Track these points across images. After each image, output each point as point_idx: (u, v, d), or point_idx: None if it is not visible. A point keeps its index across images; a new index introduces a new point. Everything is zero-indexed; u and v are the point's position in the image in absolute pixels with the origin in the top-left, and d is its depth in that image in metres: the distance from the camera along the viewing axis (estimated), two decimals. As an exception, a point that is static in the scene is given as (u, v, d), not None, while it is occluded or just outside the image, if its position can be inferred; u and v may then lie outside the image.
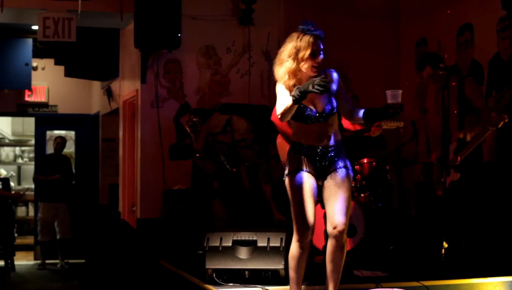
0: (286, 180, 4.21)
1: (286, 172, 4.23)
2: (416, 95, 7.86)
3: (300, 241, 4.15)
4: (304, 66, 4.07)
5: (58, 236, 9.77)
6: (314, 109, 4.12)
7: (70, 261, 9.74)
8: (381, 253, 6.37)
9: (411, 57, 8.02)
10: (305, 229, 4.12)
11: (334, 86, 4.16)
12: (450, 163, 5.52)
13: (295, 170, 4.17)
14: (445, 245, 5.18)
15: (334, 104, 4.15)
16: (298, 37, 4.07)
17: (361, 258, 6.21)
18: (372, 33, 8.26)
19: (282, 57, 4.10)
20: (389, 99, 4.04)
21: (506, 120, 5.45)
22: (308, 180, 4.15)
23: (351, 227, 6.38)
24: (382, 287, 4.71)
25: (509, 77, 6.38)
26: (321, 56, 4.08)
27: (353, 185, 6.73)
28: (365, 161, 6.64)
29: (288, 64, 4.07)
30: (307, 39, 4.04)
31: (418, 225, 6.72)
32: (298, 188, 4.13)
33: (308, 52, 4.03)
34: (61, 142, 9.98)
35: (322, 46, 4.08)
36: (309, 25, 4.08)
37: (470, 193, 5.67)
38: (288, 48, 4.09)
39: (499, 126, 5.46)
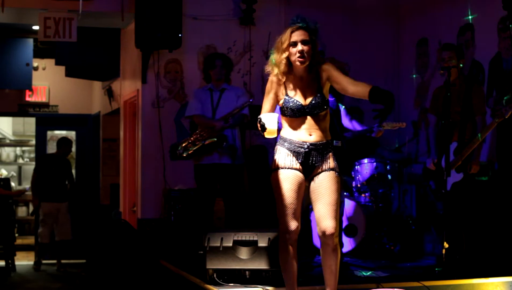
0: (272, 176, 4.15)
1: (272, 167, 4.16)
2: (416, 95, 7.86)
3: (288, 239, 4.11)
4: (291, 58, 4.10)
5: (58, 238, 9.74)
6: (299, 102, 4.11)
7: (71, 261, 9.73)
8: (381, 253, 6.37)
9: (411, 57, 8.02)
10: (291, 228, 4.09)
11: (323, 79, 4.15)
12: (451, 164, 5.49)
13: (281, 167, 4.11)
14: (446, 245, 5.18)
15: (322, 99, 4.11)
16: (285, 30, 4.15)
17: (362, 258, 6.22)
18: (373, 33, 8.26)
19: (271, 51, 4.22)
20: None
21: None
22: (294, 177, 4.10)
23: (352, 227, 6.39)
24: (383, 287, 4.70)
25: (510, 77, 6.38)
26: (302, 47, 4.07)
27: (353, 185, 6.75)
28: (366, 161, 6.64)
29: (274, 55, 4.16)
30: (288, 30, 4.12)
31: (418, 225, 6.72)
32: (284, 185, 4.08)
33: (286, 42, 4.09)
34: (69, 144, 9.59)
35: (306, 37, 4.08)
36: (298, 18, 4.11)
37: (472, 193, 5.66)
38: (276, 41, 4.18)
39: (507, 116, 5.31)
